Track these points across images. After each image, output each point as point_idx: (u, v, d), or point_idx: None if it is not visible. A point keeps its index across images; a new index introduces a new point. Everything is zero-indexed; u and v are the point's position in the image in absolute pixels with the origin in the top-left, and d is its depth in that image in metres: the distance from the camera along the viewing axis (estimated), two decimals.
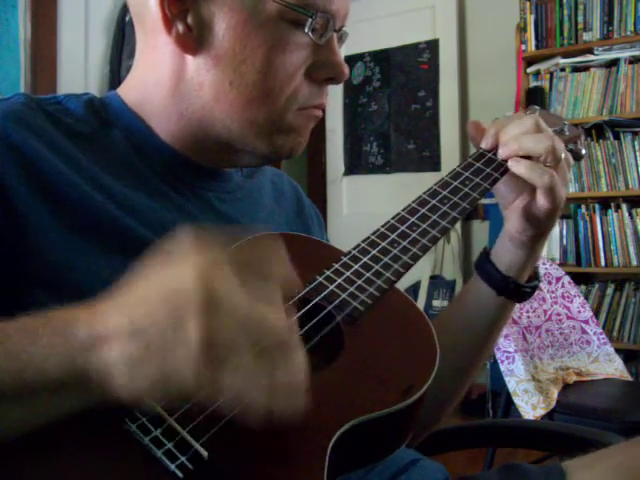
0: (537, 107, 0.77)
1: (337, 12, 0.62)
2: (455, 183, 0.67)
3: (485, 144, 0.70)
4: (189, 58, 0.61)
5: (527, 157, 0.67)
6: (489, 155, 0.70)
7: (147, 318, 0.39)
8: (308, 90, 0.63)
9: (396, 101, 3.43)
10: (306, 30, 0.60)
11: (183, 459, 0.43)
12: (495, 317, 0.75)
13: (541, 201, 0.66)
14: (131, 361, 0.39)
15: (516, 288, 0.73)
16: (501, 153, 0.68)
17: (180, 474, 0.42)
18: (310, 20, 0.59)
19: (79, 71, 2.74)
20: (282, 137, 0.64)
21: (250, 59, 0.60)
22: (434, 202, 0.65)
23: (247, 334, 0.39)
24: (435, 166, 3.26)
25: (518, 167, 0.66)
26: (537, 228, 0.70)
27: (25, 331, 0.41)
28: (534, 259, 0.74)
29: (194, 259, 0.40)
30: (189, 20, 0.60)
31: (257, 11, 0.59)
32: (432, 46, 3.28)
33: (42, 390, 0.40)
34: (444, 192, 0.66)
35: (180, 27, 0.60)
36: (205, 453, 0.43)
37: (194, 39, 0.60)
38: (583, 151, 0.78)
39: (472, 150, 0.73)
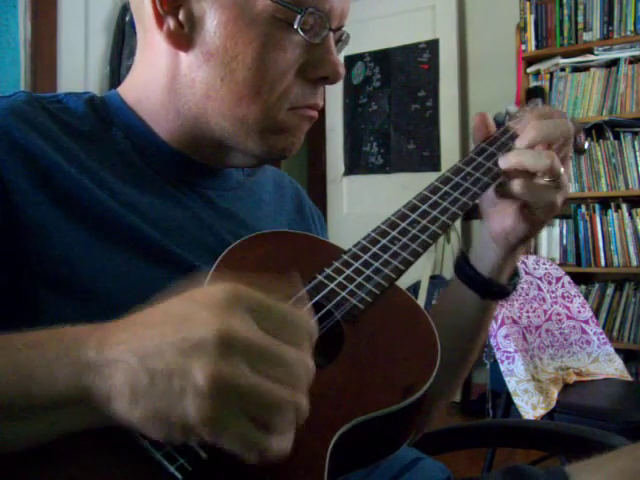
0: (539, 99, 0.76)
1: (331, 11, 0.61)
2: (456, 179, 0.67)
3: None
4: (182, 55, 0.61)
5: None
6: (491, 149, 0.69)
7: (159, 352, 0.38)
8: (301, 89, 0.63)
9: (396, 101, 3.43)
10: (295, 26, 0.59)
11: (182, 461, 0.43)
12: (480, 318, 0.75)
13: (539, 214, 0.67)
14: (134, 390, 0.38)
15: (499, 289, 0.73)
16: (501, 164, 0.67)
17: (180, 476, 0.42)
18: (299, 17, 0.59)
19: (79, 71, 2.73)
20: (273, 137, 0.63)
21: (241, 56, 0.59)
22: (435, 198, 0.65)
23: (253, 402, 0.38)
24: (435, 166, 3.25)
25: (516, 187, 0.66)
26: (530, 229, 0.69)
27: (34, 345, 0.41)
28: (515, 259, 0.73)
29: (221, 311, 0.39)
30: (180, 16, 0.60)
31: (248, 7, 0.59)
32: (432, 46, 3.28)
33: (47, 406, 0.40)
34: (445, 188, 0.66)
35: (171, 23, 0.60)
36: (204, 454, 0.43)
37: (185, 35, 0.60)
38: (586, 145, 0.77)
39: (472, 148, 0.72)
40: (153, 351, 0.38)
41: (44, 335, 0.42)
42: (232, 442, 0.39)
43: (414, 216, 0.63)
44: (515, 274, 0.75)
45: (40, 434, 0.41)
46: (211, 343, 0.38)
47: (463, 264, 0.74)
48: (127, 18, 2.76)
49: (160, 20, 0.60)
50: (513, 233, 0.69)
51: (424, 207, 0.64)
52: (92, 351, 0.40)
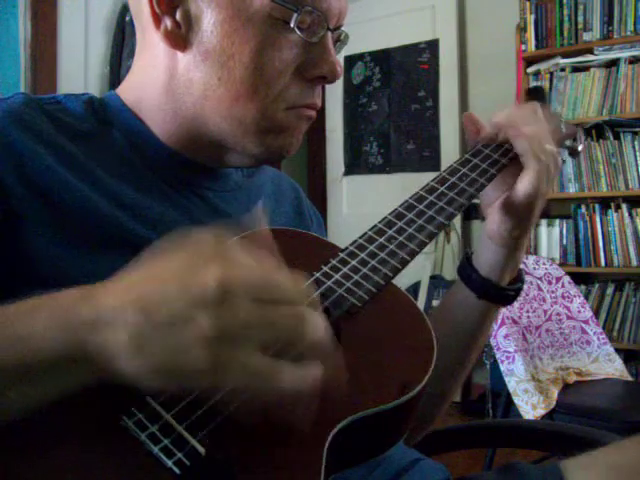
0: (535, 103, 0.77)
1: (329, 10, 0.61)
2: (452, 179, 0.67)
3: (484, 135, 0.70)
4: (179, 55, 0.62)
5: None
6: (486, 151, 0.70)
7: (162, 303, 0.38)
8: (298, 89, 0.63)
9: (396, 101, 3.43)
10: (292, 25, 0.59)
11: (180, 455, 0.43)
12: (477, 321, 0.74)
13: (521, 186, 0.66)
14: (137, 343, 0.38)
15: (497, 291, 0.72)
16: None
17: (177, 470, 0.42)
18: (295, 15, 0.59)
19: (79, 71, 2.73)
20: (271, 136, 0.63)
21: (238, 55, 0.59)
22: (431, 198, 0.65)
23: (260, 330, 0.39)
24: (435, 166, 3.25)
25: (520, 142, 0.66)
26: (514, 218, 0.69)
27: (26, 309, 0.41)
28: (514, 260, 0.73)
29: (214, 247, 0.40)
30: (177, 16, 0.60)
31: (244, 6, 0.59)
32: (432, 46, 3.28)
33: (42, 368, 0.40)
34: (441, 188, 0.66)
35: (168, 23, 0.60)
36: (202, 449, 0.43)
37: (182, 35, 0.60)
38: (580, 147, 0.78)
39: (468, 150, 0.73)
40: (155, 302, 0.38)
41: (36, 300, 0.42)
42: (242, 381, 0.39)
43: (411, 215, 0.64)
44: (519, 280, 0.75)
45: (35, 398, 0.41)
46: (212, 289, 0.38)
47: (465, 263, 0.74)
48: (127, 18, 2.76)
49: (157, 20, 0.60)
50: (502, 224, 0.69)
51: (420, 207, 0.64)
52: (86, 309, 0.40)
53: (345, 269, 0.58)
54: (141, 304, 0.38)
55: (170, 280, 0.39)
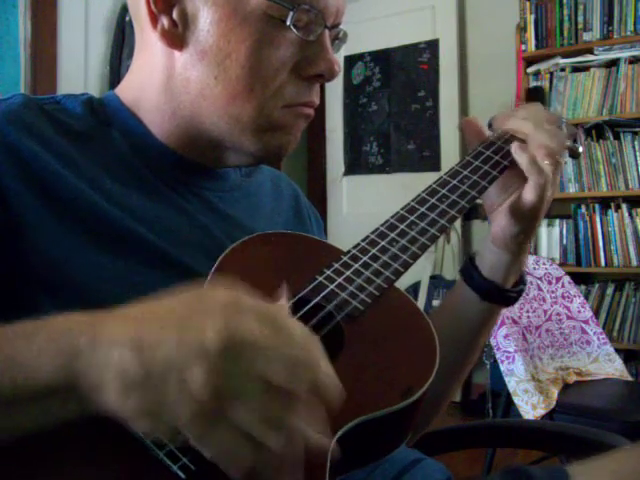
0: (538, 104, 0.77)
1: (326, 8, 0.61)
2: (454, 181, 0.67)
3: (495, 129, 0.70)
4: (177, 54, 0.62)
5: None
6: (487, 153, 0.69)
7: (158, 349, 0.37)
8: (295, 87, 0.62)
9: (396, 101, 3.43)
10: (288, 23, 0.59)
11: (185, 460, 0.43)
12: (479, 321, 0.74)
13: (528, 196, 0.66)
14: (126, 383, 0.38)
15: (500, 293, 0.72)
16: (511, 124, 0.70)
17: (182, 475, 0.42)
18: (291, 13, 0.59)
19: (79, 71, 2.73)
20: (268, 135, 0.63)
21: (234, 54, 0.59)
22: (433, 200, 0.65)
23: (255, 406, 0.37)
24: (435, 166, 3.25)
25: (521, 156, 0.66)
26: (520, 224, 0.69)
27: (23, 334, 0.41)
28: (518, 263, 0.72)
29: (227, 311, 0.38)
30: (174, 15, 0.60)
31: (241, 5, 0.59)
32: (432, 46, 3.28)
33: (32, 396, 0.39)
34: (443, 190, 0.66)
35: (165, 22, 0.60)
36: (207, 454, 0.43)
37: (179, 34, 0.60)
38: (580, 149, 0.78)
39: (469, 151, 0.73)
40: (152, 347, 0.38)
41: (34, 325, 0.41)
42: (216, 452, 0.38)
43: (412, 218, 0.63)
44: (521, 282, 0.75)
45: (28, 425, 0.40)
46: (212, 349, 0.37)
47: (468, 264, 0.74)
48: (127, 18, 2.76)
49: (154, 19, 0.61)
50: (506, 229, 0.69)
51: (422, 209, 0.64)
52: (83, 338, 0.39)
53: (348, 272, 0.58)
54: (138, 345, 0.38)
55: (171, 328, 0.38)
